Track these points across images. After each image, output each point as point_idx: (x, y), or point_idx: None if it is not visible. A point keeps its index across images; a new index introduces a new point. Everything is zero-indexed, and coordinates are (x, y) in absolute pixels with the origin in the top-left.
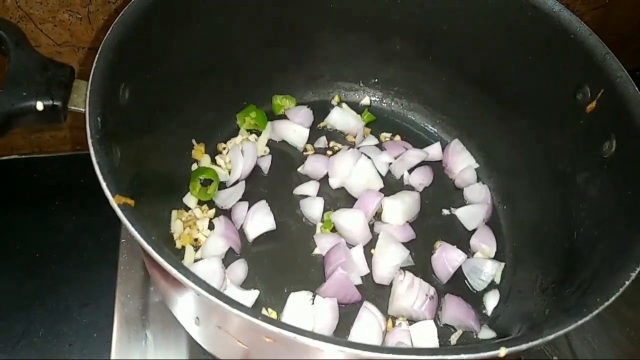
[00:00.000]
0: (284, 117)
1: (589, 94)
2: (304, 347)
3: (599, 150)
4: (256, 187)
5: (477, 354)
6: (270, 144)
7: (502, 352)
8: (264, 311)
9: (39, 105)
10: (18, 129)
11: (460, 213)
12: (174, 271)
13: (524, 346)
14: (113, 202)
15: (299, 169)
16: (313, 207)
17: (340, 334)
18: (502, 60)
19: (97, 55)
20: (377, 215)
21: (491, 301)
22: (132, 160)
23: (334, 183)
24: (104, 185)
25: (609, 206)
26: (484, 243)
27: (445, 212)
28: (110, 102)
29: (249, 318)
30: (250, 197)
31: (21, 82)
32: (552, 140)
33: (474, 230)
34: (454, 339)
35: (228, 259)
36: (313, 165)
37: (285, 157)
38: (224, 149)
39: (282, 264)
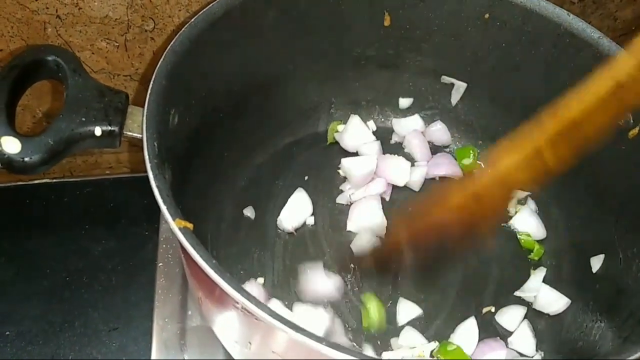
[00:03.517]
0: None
1: (631, 120)
2: None
3: None
4: None
5: None
6: None
7: None
8: None
9: (97, 131)
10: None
11: None
12: (237, 295)
13: None
14: (174, 226)
15: None
16: None
17: None
18: (541, 89)
19: (151, 82)
20: None
21: None
22: (178, 185)
23: None
24: (164, 208)
25: None
26: None
27: None
28: (163, 128)
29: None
30: None
31: (79, 108)
32: (595, 168)
33: None
34: None
35: None
36: None
37: None
38: None
39: None
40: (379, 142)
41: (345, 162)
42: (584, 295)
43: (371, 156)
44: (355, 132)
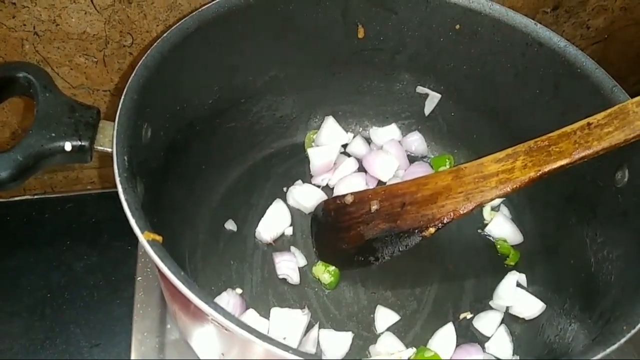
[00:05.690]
0: None
1: None
2: None
3: (611, 180)
4: None
5: None
6: None
7: None
8: None
9: (67, 146)
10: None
11: None
12: (206, 307)
13: None
14: (142, 239)
15: None
16: None
17: None
18: (511, 97)
19: (122, 97)
20: None
21: None
22: (152, 199)
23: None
24: (132, 222)
25: (625, 236)
26: None
27: None
28: (135, 142)
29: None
30: None
31: (50, 123)
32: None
33: None
34: None
35: None
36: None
37: None
38: None
39: None
40: (364, 140)
41: (310, 151)
42: (558, 299)
43: (333, 146)
44: (330, 133)
